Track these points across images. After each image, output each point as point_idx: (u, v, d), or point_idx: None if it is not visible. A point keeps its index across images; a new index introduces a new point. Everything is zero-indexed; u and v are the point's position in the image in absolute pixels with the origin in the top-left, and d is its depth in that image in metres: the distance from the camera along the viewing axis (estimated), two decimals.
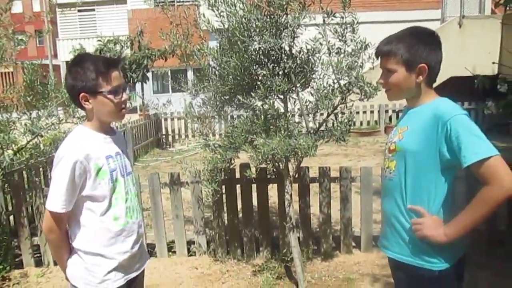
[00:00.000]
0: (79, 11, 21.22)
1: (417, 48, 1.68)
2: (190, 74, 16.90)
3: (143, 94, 11.43)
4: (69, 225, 1.83)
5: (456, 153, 1.57)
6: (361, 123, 12.41)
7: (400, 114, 1.96)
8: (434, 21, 12.82)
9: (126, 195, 1.86)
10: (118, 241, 1.83)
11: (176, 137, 12.46)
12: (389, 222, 1.83)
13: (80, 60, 1.77)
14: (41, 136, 4.03)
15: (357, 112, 12.54)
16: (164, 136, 12.28)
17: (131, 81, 10.36)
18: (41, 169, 4.76)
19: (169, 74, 17.05)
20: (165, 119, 12.31)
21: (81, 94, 1.75)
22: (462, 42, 11.57)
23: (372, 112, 12.38)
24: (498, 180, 1.50)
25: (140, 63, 10.17)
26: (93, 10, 21.10)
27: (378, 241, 1.99)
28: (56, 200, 1.71)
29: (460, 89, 10.02)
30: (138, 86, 11.97)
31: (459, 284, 1.76)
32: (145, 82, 11.37)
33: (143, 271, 2.05)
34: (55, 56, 22.50)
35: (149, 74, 12.00)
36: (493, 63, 6.49)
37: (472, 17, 11.78)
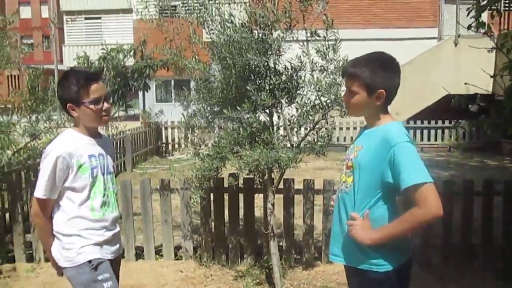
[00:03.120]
0: (85, 18, 21.64)
1: (378, 75, 1.86)
2: (193, 85, 17.17)
3: (144, 103, 11.65)
4: (53, 212, 2.11)
5: (396, 177, 1.75)
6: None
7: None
8: (431, 39, 13.05)
9: (104, 191, 2.13)
10: (93, 228, 2.09)
11: (176, 146, 12.64)
12: (343, 232, 1.98)
13: (66, 75, 2.10)
14: (39, 138, 4.23)
15: (355, 128, 12.72)
16: (164, 145, 12.48)
17: (133, 89, 10.59)
18: (38, 169, 4.95)
19: (172, 83, 17.34)
20: (166, 128, 12.51)
21: (68, 105, 2.06)
22: (457, 60, 11.77)
23: (361, 127, 12.55)
24: (427, 205, 1.68)
25: (142, 72, 10.43)
26: (100, 18, 21.50)
27: (328, 253, 2.16)
28: (39, 188, 2.03)
29: (455, 107, 10.22)
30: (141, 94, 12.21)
31: (404, 284, 1.94)
32: (147, 91, 11.62)
33: (119, 262, 2.31)
34: (61, 61, 22.86)
35: (152, 83, 12.22)
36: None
37: (467, 36, 12.00)
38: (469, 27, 4.33)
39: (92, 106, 2.04)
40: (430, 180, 1.71)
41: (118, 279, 2.29)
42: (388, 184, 1.81)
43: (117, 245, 2.25)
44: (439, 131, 12.50)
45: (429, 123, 12.38)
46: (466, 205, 4.16)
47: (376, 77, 1.85)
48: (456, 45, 12.01)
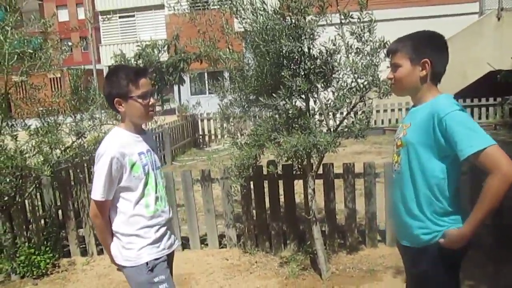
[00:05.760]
0: (120, 17, 22.15)
1: (422, 46, 1.84)
2: (227, 75, 17.26)
3: (179, 96, 11.83)
4: (110, 212, 2.15)
5: (453, 148, 1.69)
6: (396, 121, 12.31)
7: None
8: (471, 14, 12.50)
9: (156, 186, 2.16)
10: (149, 225, 2.13)
11: (213, 137, 12.78)
12: (395, 211, 1.99)
13: (114, 71, 2.12)
14: (85, 136, 4.40)
15: (393, 110, 12.49)
16: (201, 136, 12.66)
17: (169, 84, 10.78)
18: (85, 166, 5.16)
19: (206, 76, 17.50)
20: (202, 120, 12.66)
21: (116, 99, 2.07)
22: (501, 35, 11.21)
23: (407, 109, 12.25)
24: (499, 169, 1.59)
25: (176, 66, 10.59)
26: (133, 16, 21.94)
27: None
28: (97, 190, 2.04)
29: (499, 84, 9.75)
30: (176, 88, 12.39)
31: (455, 268, 1.90)
32: (182, 84, 11.80)
33: (173, 254, 2.32)
34: (99, 61, 23.55)
35: (187, 77, 12.37)
36: None
37: (511, 9, 11.40)
38: None
39: (140, 100, 2.06)
40: (492, 142, 1.63)
41: (171, 270, 2.32)
42: (445, 151, 1.75)
43: (172, 238, 2.27)
44: (483, 109, 12.01)
45: (472, 101, 11.90)
46: None
47: (419, 48, 1.83)
48: (499, 19, 11.43)
